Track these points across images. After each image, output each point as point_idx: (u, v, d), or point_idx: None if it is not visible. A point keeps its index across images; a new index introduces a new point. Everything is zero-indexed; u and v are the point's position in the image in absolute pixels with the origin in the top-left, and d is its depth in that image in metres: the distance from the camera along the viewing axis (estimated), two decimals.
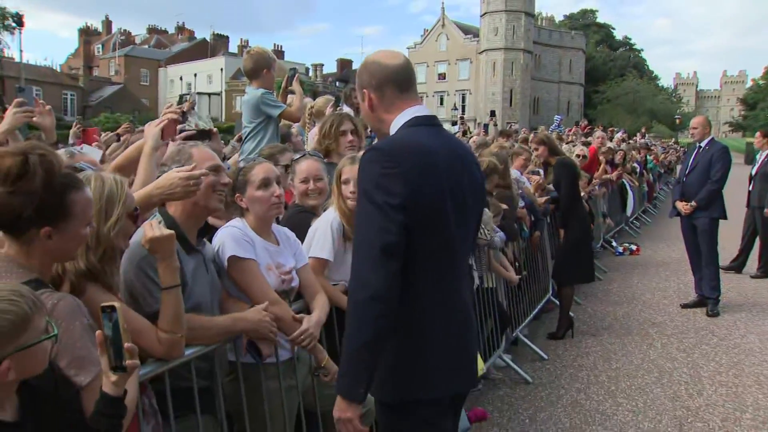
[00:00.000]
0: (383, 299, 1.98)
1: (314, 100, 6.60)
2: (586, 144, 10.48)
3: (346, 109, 6.69)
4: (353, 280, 2.05)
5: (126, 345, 1.70)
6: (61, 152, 2.88)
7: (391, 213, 1.98)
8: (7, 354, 1.52)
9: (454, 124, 10.98)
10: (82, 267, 2.05)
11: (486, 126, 17.06)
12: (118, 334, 1.70)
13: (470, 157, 2.36)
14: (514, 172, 6.38)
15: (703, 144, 7.60)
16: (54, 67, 62.46)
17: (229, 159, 4.76)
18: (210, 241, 2.82)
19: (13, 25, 40.57)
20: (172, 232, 2.25)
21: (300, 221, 3.31)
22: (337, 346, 3.14)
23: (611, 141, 13.93)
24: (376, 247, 1.98)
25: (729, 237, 9.27)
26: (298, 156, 3.78)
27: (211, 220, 2.88)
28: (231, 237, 2.78)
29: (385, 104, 2.22)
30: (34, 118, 3.50)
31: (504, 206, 5.60)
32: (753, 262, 9.56)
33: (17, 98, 3.48)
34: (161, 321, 2.23)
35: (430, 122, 2.22)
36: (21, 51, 42.53)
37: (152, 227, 2.22)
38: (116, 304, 1.72)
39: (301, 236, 3.23)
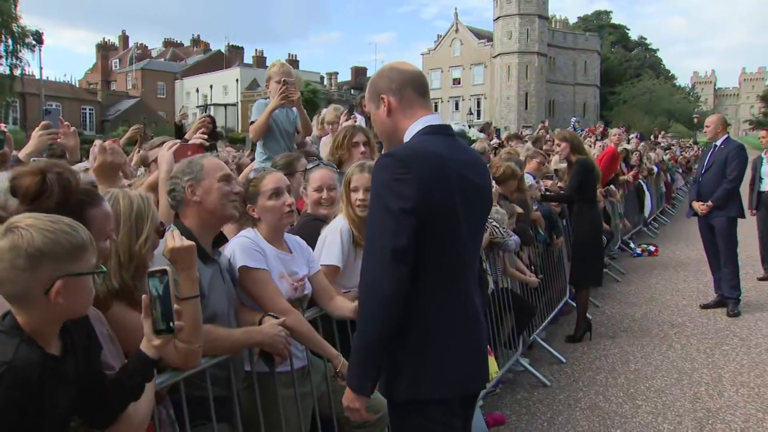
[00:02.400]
0: (392, 301, 2.07)
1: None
2: (602, 138, 10.39)
3: (359, 118, 6.76)
4: (363, 281, 2.14)
5: (175, 307, 1.83)
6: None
7: (402, 217, 2.05)
8: (61, 276, 1.62)
9: (481, 130, 10.92)
10: (115, 286, 2.12)
11: (498, 131, 17.00)
12: (168, 297, 1.82)
13: (480, 165, 2.45)
14: (527, 177, 6.39)
15: (718, 143, 7.54)
16: (73, 83, 63.35)
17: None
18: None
19: (33, 42, 41.14)
20: (193, 243, 2.30)
21: (312, 229, 3.34)
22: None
23: (628, 142, 13.83)
24: (387, 250, 2.05)
25: (752, 235, 9.11)
26: (311, 165, 3.82)
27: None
28: (241, 247, 2.82)
29: (403, 107, 2.28)
30: (59, 139, 3.57)
31: (519, 209, 5.63)
32: None
33: (43, 120, 3.55)
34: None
35: (443, 131, 2.29)
36: (41, 68, 43.00)
37: (174, 237, 2.28)
38: (168, 268, 1.84)
39: (313, 244, 3.26)
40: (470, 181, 2.24)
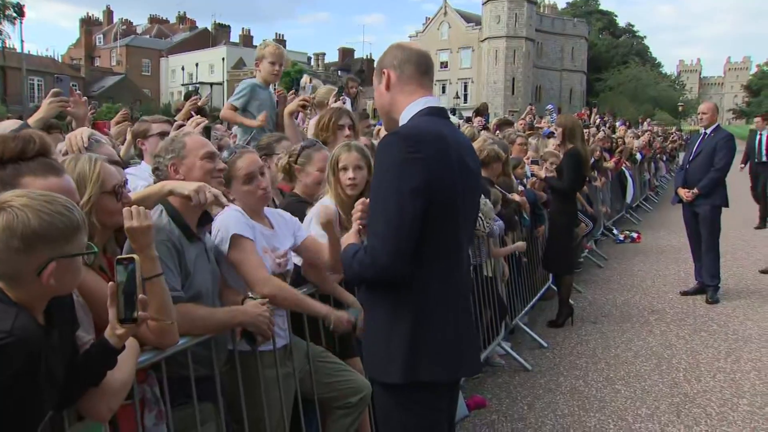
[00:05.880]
0: (390, 276, 2.10)
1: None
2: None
3: (347, 100, 6.71)
4: (369, 258, 2.11)
5: (140, 296, 1.78)
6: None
7: (411, 197, 2.05)
8: (55, 257, 1.61)
9: (476, 113, 10.79)
10: None
11: (487, 115, 16.85)
12: (133, 285, 1.77)
13: (473, 149, 2.47)
14: None
15: (708, 131, 7.55)
16: (55, 58, 62.30)
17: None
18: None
19: (14, 15, 40.49)
20: (150, 223, 2.21)
21: (296, 211, 3.31)
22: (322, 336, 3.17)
23: (613, 132, 13.80)
24: (394, 228, 2.05)
25: (733, 225, 9.21)
26: (306, 143, 3.76)
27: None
28: (234, 218, 2.80)
29: (402, 82, 2.28)
30: (69, 108, 3.55)
31: (508, 195, 5.64)
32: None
33: (54, 88, 3.53)
34: (149, 310, 2.23)
35: (441, 113, 2.30)
36: (22, 41, 42.25)
37: (132, 215, 2.16)
38: (135, 256, 1.80)
39: None
40: (467, 164, 2.25)
